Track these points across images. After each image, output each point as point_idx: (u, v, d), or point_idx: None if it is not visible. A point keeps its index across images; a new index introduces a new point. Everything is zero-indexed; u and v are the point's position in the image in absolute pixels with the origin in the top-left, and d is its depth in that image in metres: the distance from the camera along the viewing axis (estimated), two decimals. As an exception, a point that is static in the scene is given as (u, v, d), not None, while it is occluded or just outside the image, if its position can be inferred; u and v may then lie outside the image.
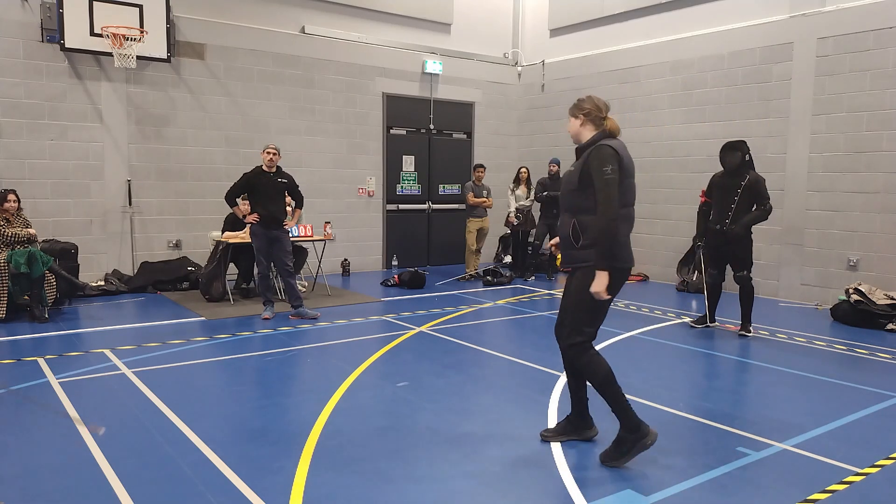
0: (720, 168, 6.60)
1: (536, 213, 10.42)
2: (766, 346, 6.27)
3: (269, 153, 7.03)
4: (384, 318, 7.34)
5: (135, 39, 8.26)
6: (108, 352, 5.65)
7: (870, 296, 7.10)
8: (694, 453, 3.70)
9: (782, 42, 8.64)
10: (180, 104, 9.11)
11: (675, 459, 3.62)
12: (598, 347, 5.96)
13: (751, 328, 6.66)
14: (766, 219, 6.48)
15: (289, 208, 7.47)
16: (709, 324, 6.90)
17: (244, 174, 7.17)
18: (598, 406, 3.83)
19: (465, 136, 12.06)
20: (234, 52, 9.46)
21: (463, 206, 10.30)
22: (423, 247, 11.67)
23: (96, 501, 3.06)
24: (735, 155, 6.40)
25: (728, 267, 6.76)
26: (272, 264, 7.40)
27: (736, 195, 6.38)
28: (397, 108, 11.14)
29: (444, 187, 11.85)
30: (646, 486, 3.27)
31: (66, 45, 8.10)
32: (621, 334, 6.60)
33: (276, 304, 7.60)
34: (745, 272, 6.51)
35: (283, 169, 7.31)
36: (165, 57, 8.73)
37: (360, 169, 10.82)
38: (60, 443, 3.73)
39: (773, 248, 8.85)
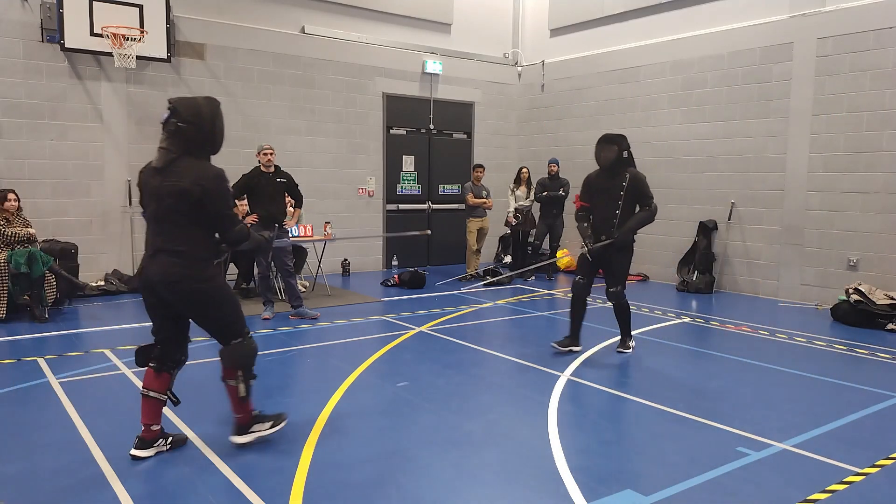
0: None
1: (536, 213, 10.43)
2: (765, 346, 6.27)
3: (266, 154, 7.02)
4: (384, 318, 7.33)
5: (135, 39, 8.26)
6: (108, 352, 5.65)
7: (870, 296, 7.10)
8: (694, 453, 3.70)
9: (782, 42, 8.64)
10: (180, 104, 9.09)
11: (675, 459, 3.62)
12: (597, 347, 6.01)
13: (631, 343, 5.95)
14: (653, 220, 5.70)
15: (289, 209, 7.47)
16: (572, 347, 5.82)
17: (243, 175, 7.17)
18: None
19: (465, 136, 12.06)
20: (234, 52, 9.46)
21: (463, 207, 10.30)
22: (423, 247, 11.66)
23: (96, 501, 3.06)
24: (611, 149, 5.54)
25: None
26: (272, 264, 7.40)
27: (619, 199, 5.54)
28: (397, 108, 11.13)
29: (444, 187, 11.84)
30: (646, 486, 3.27)
31: (66, 45, 8.09)
32: (621, 334, 6.59)
33: (276, 304, 7.60)
34: (618, 287, 5.74)
35: (283, 169, 7.31)
36: (165, 57, 8.73)
37: (360, 169, 10.81)
38: (60, 443, 3.73)
39: (773, 248, 8.85)
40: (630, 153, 5.62)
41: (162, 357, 3.55)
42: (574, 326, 5.83)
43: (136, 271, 3.54)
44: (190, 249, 3.35)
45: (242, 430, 3.64)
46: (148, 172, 3.45)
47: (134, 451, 3.48)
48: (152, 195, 3.38)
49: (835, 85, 8.17)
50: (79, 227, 8.50)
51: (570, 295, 5.84)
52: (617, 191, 5.54)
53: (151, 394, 3.52)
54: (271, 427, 3.72)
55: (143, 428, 3.52)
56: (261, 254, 3.78)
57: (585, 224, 5.76)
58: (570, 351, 5.81)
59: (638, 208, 5.64)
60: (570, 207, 10.56)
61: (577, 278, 5.78)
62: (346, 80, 10.49)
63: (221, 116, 3.49)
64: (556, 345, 5.81)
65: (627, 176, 5.54)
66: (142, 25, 8.40)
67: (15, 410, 4.24)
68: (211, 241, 3.45)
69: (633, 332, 6.07)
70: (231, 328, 3.52)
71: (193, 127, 3.36)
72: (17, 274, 6.60)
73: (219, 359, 3.56)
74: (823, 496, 3.20)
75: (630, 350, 5.91)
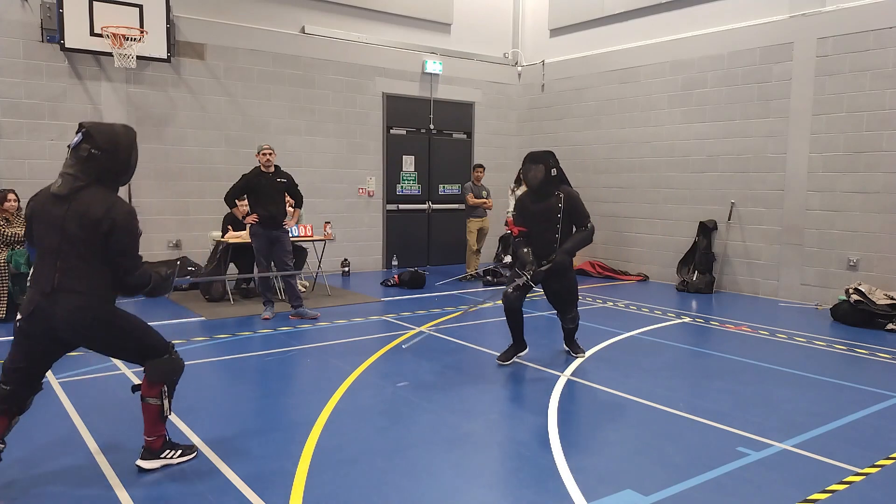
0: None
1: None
2: (766, 346, 6.27)
3: (265, 154, 7.02)
4: (384, 318, 7.33)
5: (135, 39, 8.26)
6: (108, 352, 5.64)
7: (870, 296, 7.10)
8: (694, 453, 3.70)
9: (782, 42, 8.64)
10: (180, 104, 9.11)
11: (675, 459, 3.62)
12: (598, 347, 6.02)
13: (582, 350, 5.80)
14: (591, 241, 5.46)
15: (289, 209, 7.47)
16: (519, 355, 5.58)
17: (243, 175, 7.17)
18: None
19: (465, 136, 12.06)
20: (234, 52, 9.46)
21: (462, 206, 10.31)
22: (423, 247, 11.67)
23: (96, 501, 3.07)
24: (538, 168, 5.22)
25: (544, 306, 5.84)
26: (272, 264, 7.40)
27: (557, 221, 5.22)
28: (397, 108, 11.13)
29: (444, 187, 11.84)
30: (646, 486, 3.27)
31: (66, 45, 8.09)
32: (621, 334, 6.60)
33: (276, 304, 7.59)
34: (574, 311, 5.54)
35: (283, 169, 7.31)
36: (165, 57, 8.72)
37: (360, 169, 10.82)
38: (60, 443, 3.72)
39: (773, 248, 8.85)
40: (560, 170, 5.33)
41: (12, 399, 3.17)
42: (516, 335, 5.48)
43: (21, 307, 3.12)
44: (96, 288, 3.09)
45: (153, 454, 3.39)
46: (45, 200, 3.11)
47: None
48: (53, 225, 3.05)
49: (835, 85, 8.17)
50: (79, 227, 8.49)
51: (504, 307, 5.36)
52: (553, 213, 5.22)
53: None
54: (181, 456, 3.46)
55: None
56: (159, 294, 3.44)
57: (526, 249, 5.28)
58: (520, 358, 5.50)
59: (574, 228, 5.35)
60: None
61: (508, 290, 5.28)
62: (346, 80, 10.50)
63: (137, 147, 3.27)
64: (500, 360, 5.45)
65: (562, 196, 5.24)
66: (142, 25, 8.40)
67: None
68: (114, 279, 3.18)
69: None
70: (153, 350, 3.30)
71: (109, 155, 3.10)
72: (17, 274, 6.61)
73: (144, 376, 3.33)
74: (823, 496, 3.20)
75: (583, 354, 5.74)
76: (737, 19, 9.15)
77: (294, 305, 7.24)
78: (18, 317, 3.11)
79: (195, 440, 3.75)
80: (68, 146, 3.12)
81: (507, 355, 5.49)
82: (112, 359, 5.42)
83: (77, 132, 3.12)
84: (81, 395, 4.54)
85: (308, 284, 9.05)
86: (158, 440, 3.39)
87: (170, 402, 3.37)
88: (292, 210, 7.52)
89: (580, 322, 5.76)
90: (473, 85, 11.97)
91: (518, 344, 5.53)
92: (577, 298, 5.58)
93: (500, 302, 5.43)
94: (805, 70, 8.42)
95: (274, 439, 3.80)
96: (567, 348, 5.84)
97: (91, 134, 3.09)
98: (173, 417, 4.10)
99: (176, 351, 3.41)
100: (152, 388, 3.31)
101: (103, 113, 8.55)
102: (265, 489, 3.18)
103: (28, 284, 3.14)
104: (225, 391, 4.81)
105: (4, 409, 3.16)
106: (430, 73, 11.32)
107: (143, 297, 3.43)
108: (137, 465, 3.37)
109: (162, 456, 3.40)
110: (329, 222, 8.98)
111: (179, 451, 3.47)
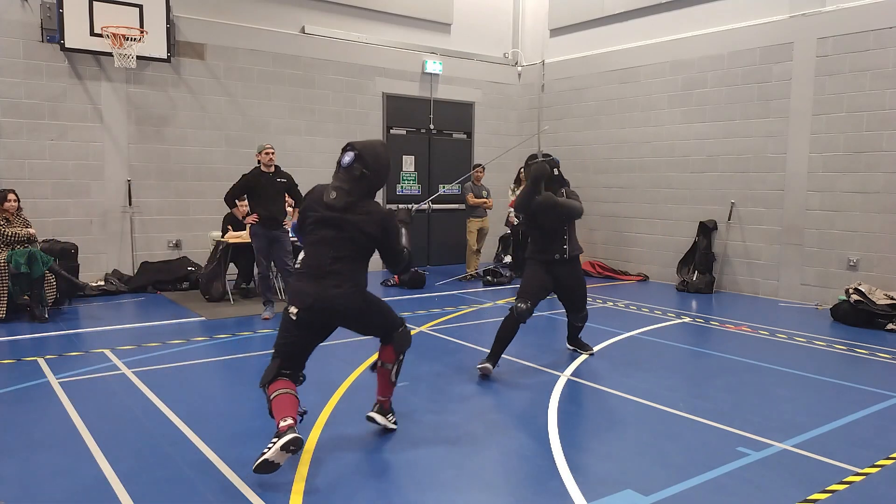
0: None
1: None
2: (766, 346, 6.27)
3: (267, 153, 7.02)
4: (384, 318, 7.32)
5: (135, 39, 8.26)
6: (108, 352, 5.65)
7: (870, 296, 7.11)
8: (694, 453, 3.70)
9: (782, 42, 8.64)
10: (180, 104, 9.11)
11: (675, 459, 3.62)
12: (598, 347, 6.02)
13: (589, 346, 5.89)
14: (578, 216, 5.47)
15: (289, 209, 7.47)
16: (493, 367, 5.18)
17: (243, 175, 7.17)
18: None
19: (465, 136, 12.06)
20: (234, 52, 9.46)
21: (463, 206, 10.31)
22: (423, 247, 11.66)
23: (96, 502, 3.07)
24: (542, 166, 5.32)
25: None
26: (272, 264, 7.40)
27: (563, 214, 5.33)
28: (397, 108, 11.13)
29: (444, 187, 11.84)
30: (646, 486, 3.27)
31: (66, 45, 8.09)
32: (621, 334, 6.60)
33: (277, 304, 7.59)
34: (586, 310, 5.65)
35: (283, 169, 7.31)
36: (165, 57, 8.73)
37: (360, 169, 10.80)
38: (60, 443, 3.73)
39: (773, 248, 8.85)
40: (560, 171, 5.60)
41: (292, 378, 3.56)
42: (501, 347, 5.21)
43: (293, 300, 3.48)
44: (363, 280, 3.63)
45: (384, 412, 3.91)
46: (319, 202, 3.58)
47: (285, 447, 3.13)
48: (330, 223, 3.50)
49: (835, 85, 8.17)
50: (79, 227, 8.50)
51: (511, 315, 5.21)
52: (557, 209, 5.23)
53: (292, 391, 3.44)
54: (394, 424, 3.96)
55: (290, 420, 3.26)
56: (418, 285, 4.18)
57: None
58: (517, 360, 5.23)
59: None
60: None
61: (520, 303, 5.20)
62: (346, 80, 10.50)
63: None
64: (486, 365, 5.11)
65: (565, 192, 5.45)
66: (142, 25, 8.40)
67: (15, 410, 4.24)
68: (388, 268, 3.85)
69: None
70: (394, 323, 3.84)
71: (375, 175, 3.58)
72: (17, 274, 6.60)
73: (382, 346, 3.84)
74: (823, 496, 3.20)
75: (593, 350, 5.87)
76: (737, 19, 9.15)
77: (294, 305, 7.22)
78: (294, 309, 3.46)
79: (195, 440, 3.75)
80: (339, 162, 3.59)
81: (493, 361, 5.17)
82: (112, 358, 5.42)
83: (345, 150, 3.58)
84: (81, 395, 4.54)
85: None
86: (388, 401, 3.92)
87: (399, 369, 3.88)
88: (292, 210, 7.52)
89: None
90: (473, 85, 11.97)
91: (498, 356, 5.22)
92: (587, 296, 5.66)
93: (510, 310, 5.29)
94: (805, 70, 8.42)
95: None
96: (572, 346, 5.87)
97: (363, 156, 3.55)
98: (174, 418, 4.11)
99: (405, 323, 3.91)
100: (392, 355, 3.82)
101: (103, 113, 8.56)
102: (265, 489, 3.18)
103: (296, 268, 3.60)
104: (225, 391, 4.81)
105: (295, 379, 3.58)
106: (430, 73, 11.32)
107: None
108: (369, 416, 3.88)
109: (388, 417, 3.93)
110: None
111: (394, 419, 3.98)
